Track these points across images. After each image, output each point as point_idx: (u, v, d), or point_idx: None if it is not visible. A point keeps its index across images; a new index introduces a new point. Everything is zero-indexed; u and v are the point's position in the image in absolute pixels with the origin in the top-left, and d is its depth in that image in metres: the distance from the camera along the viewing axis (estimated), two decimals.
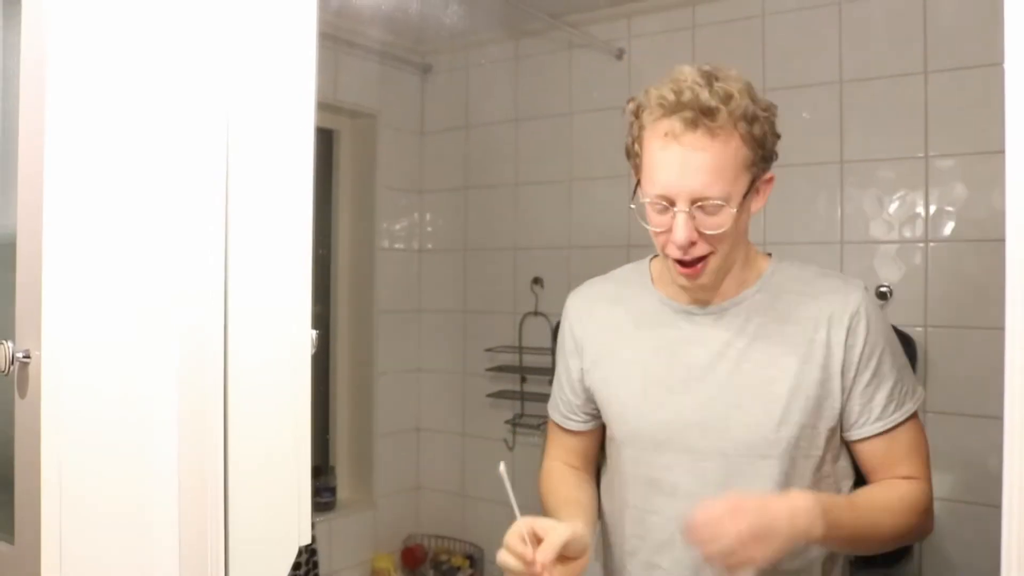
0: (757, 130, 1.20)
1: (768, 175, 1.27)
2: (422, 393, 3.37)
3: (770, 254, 1.39)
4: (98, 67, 0.87)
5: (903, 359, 1.33)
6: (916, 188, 2.31)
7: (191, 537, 0.94)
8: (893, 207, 2.35)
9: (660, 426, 1.33)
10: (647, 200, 1.23)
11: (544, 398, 2.98)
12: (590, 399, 1.46)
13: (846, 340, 1.27)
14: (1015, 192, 0.62)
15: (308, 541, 1.01)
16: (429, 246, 3.36)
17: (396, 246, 3.29)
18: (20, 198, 0.81)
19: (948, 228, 2.28)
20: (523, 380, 3.03)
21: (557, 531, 1.19)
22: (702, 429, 1.30)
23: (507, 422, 3.08)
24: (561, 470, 1.54)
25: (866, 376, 1.28)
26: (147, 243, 0.92)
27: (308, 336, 0.99)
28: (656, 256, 1.47)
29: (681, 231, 1.19)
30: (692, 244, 1.21)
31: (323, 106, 3.09)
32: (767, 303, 1.32)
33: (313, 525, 2.79)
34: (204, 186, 0.95)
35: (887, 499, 1.28)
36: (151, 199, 0.93)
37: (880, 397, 1.28)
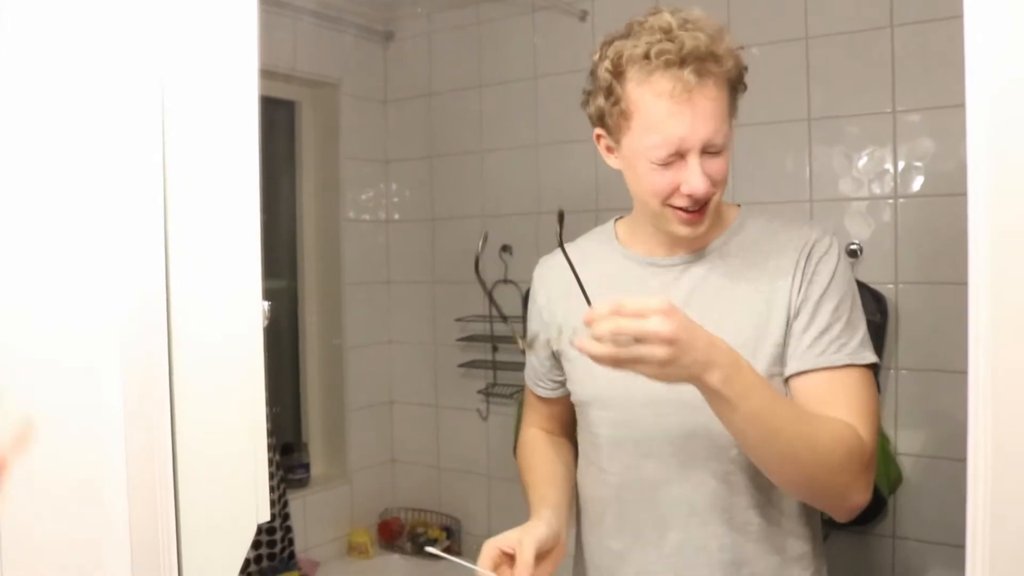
0: (735, 72, 1.22)
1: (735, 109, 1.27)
2: (394, 365, 3.34)
3: (739, 205, 1.38)
4: (19, 28, 0.82)
5: (854, 318, 1.26)
6: (884, 144, 2.29)
7: (140, 514, 0.91)
8: (862, 163, 2.33)
9: (626, 380, 1.27)
10: (648, 157, 1.21)
11: (515, 367, 2.97)
12: (557, 365, 1.45)
13: (793, 274, 1.26)
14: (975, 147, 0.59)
15: (267, 518, 0.98)
16: (396, 216, 3.32)
17: (363, 217, 3.24)
18: None
19: (917, 183, 2.26)
20: (495, 349, 3.00)
21: (525, 545, 1.22)
22: (665, 388, 1.24)
23: (480, 392, 3.06)
24: (537, 439, 1.53)
25: (808, 308, 1.24)
26: (80, 215, 0.88)
27: (259, 307, 0.96)
28: (620, 218, 1.45)
29: (699, 181, 1.19)
30: (707, 191, 1.22)
31: (282, 76, 3.03)
32: (732, 252, 1.31)
33: (287, 502, 2.78)
34: (139, 152, 0.91)
35: (815, 417, 1.19)
36: (85, 162, 0.88)
37: (816, 330, 1.23)
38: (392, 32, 3.24)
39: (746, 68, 1.25)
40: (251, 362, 0.97)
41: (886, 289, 2.28)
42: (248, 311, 0.97)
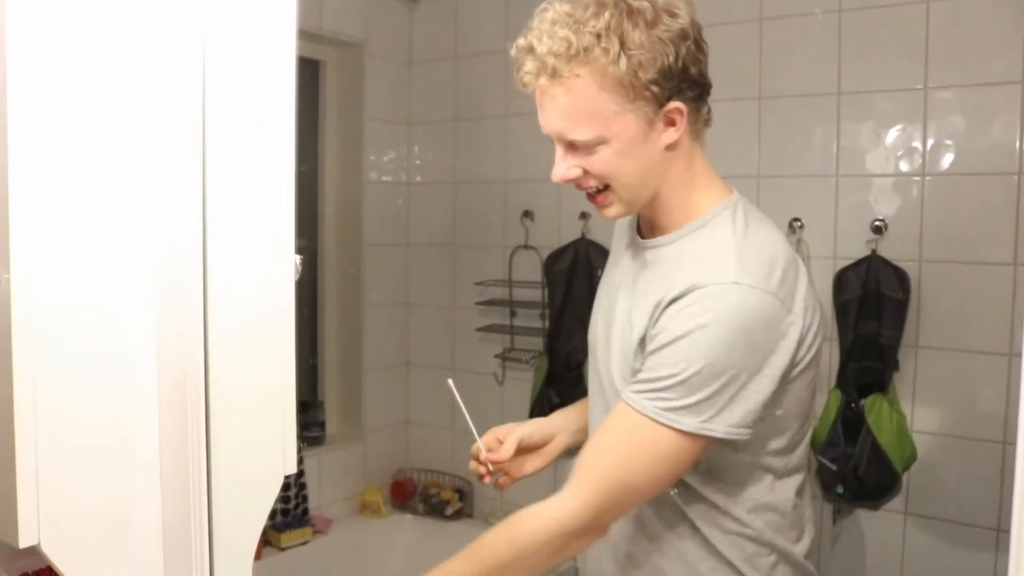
0: (619, 69, 1.13)
1: (671, 106, 1.17)
2: (411, 327, 3.35)
3: (731, 194, 1.30)
4: None
5: (698, 379, 1.14)
6: (914, 120, 2.27)
7: (172, 462, 0.92)
8: (890, 140, 2.31)
9: (591, 347, 1.43)
10: None
11: (533, 332, 2.99)
12: None
13: (658, 316, 1.20)
14: None
15: (294, 470, 1.00)
16: (418, 179, 3.31)
17: (384, 179, 3.24)
18: None
19: (946, 161, 2.24)
20: (513, 314, 3.01)
21: (511, 435, 1.44)
22: (602, 350, 1.36)
23: (496, 356, 3.07)
24: None
25: (654, 343, 1.19)
26: (120, 164, 0.88)
27: (292, 260, 0.96)
28: None
29: (557, 169, 1.24)
30: (578, 179, 1.24)
31: (308, 35, 3.02)
32: (666, 256, 1.28)
33: (301, 460, 2.81)
34: (179, 105, 0.91)
35: (504, 557, 1.22)
36: (124, 119, 0.88)
37: (648, 371, 1.19)
38: None
39: (653, 63, 1.14)
40: (283, 315, 0.98)
41: (909, 266, 2.27)
42: (281, 265, 0.97)
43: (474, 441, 1.48)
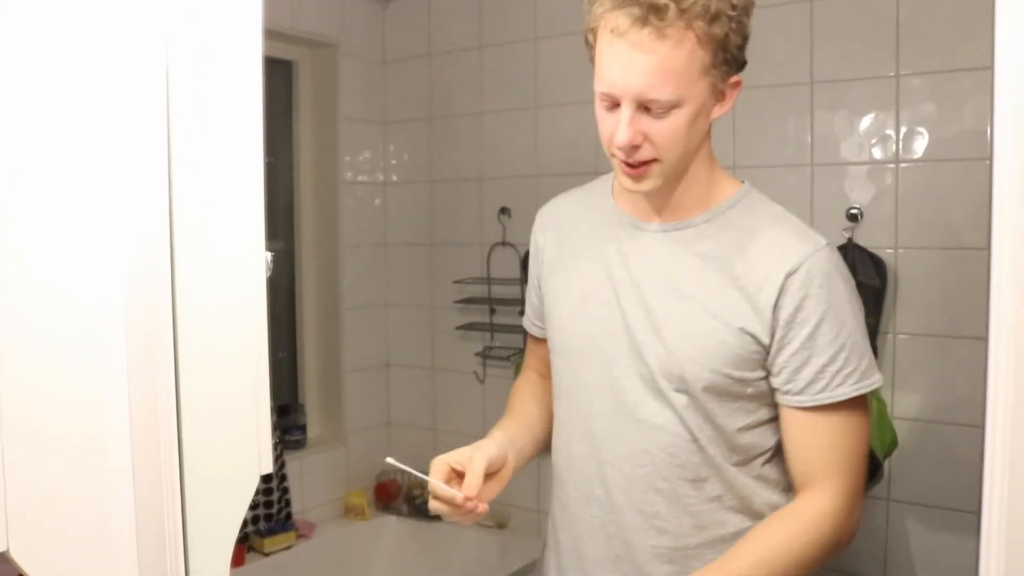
0: (718, 30, 1.11)
1: (734, 79, 1.19)
2: (391, 327, 3.34)
3: (743, 181, 1.32)
4: None
5: (856, 337, 1.21)
6: (887, 108, 2.28)
7: (144, 463, 0.91)
8: (864, 128, 2.32)
9: (587, 337, 1.32)
10: (597, 96, 1.18)
11: (513, 329, 2.98)
12: None
13: (776, 300, 1.19)
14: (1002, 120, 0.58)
15: (270, 469, 0.98)
16: (394, 178, 3.30)
17: (360, 178, 3.22)
18: None
19: (919, 148, 2.25)
20: (492, 312, 3.00)
21: (475, 461, 1.26)
22: (622, 347, 1.28)
23: (477, 354, 3.06)
24: (526, 382, 1.56)
25: (795, 343, 1.19)
26: (85, 161, 0.87)
27: (263, 257, 0.95)
28: None
29: (622, 132, 1.14)
30: (636, 147, 1.16)
31: (281, 36, 3.00)
32: (714, 233, 1.25)
33: (283, 464, 2.79)
34: (144, 99, 0.90)
35: (788, 542, 1.20)
36: (89, 114, 0.87)
37: (808, 371, 1.19)
38: None
39: (742, 37, 1.16)
40: (255, 313, 0.97)
41: (885, 254, 2.28)
42: (251, 261, 0.96)
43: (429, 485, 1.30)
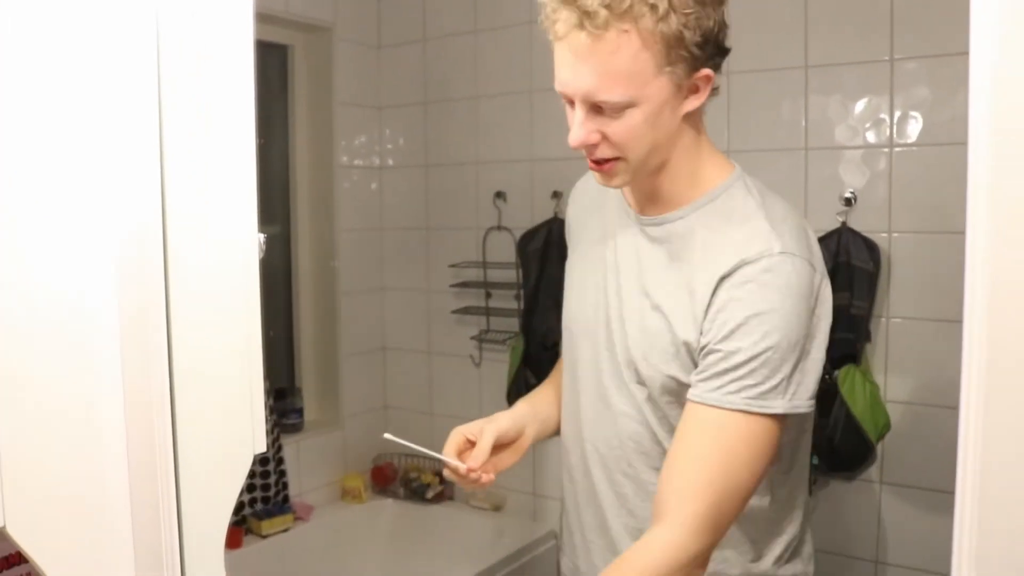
0: (667, 27, 1.06)
1: (702, 72, 1.13)
2: (387, 311, 3.35)
3: (733, 168, 1.28)
4: None
5: (777, 355, 1.12)
6: (881, 92, 2.28)
7: (138, 442, 0.92)
8: (858, 112, 2.32)
9: (582, 319, 1.36)
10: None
11: (509, 313, 2.99)
12: None
13: (708, 303, 1.16)
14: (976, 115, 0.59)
15: (263, 448, 0.99)
16: (390, 162, 3.30)
17: (356, 163, 3.22)
18: None
19: (913, 132, 2.26)
20: (488, 296, 3.01)
21: (486, 433, 1.31)
22: (603, 333, 1.30)
23: (473, 338, 3.07)
24: (558, 367, 1.56)
25: (710, 340, 1.15)
26: (78, 144, 0.87)
27: (256, 239, 0.96)
28: None
29: (574, 133, 1.14)
30: (594, 146, 1.15)
31: (275, 20, 2.99)
32: (682, 232, 1.23)
33: (281, 447, 2.80)
34: (135, 82, 0.90)
35: None
36: (81, 97, 0.88)
37: (711, 368, 1.14)
38: None
39: (701, 32, 1.09)
40: (247, 293, 0.97)
41: (879, 238, 2.28)
42: (244, 242, 0.97)
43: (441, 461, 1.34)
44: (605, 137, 1.14)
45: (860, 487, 2.40)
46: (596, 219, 1.39)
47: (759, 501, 1.25)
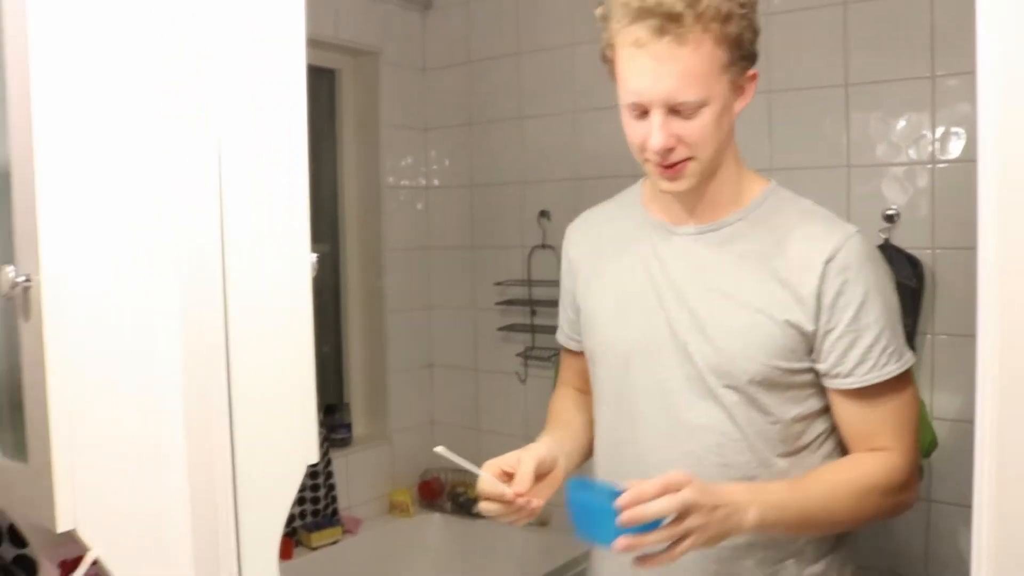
0: (732, 29, 1.16)
1: (751, 72, 1.24)
2: (433, 329, 3.40)
3: (770, 180, 1.35)
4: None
5: (894, 317, 1.26)
6: (922, 109, 2.28)
7: (198, 452, 0.97)
8: (899, 129, 2.32)
9: (629, 343, 1.34)
10: (623, 106, 1.22)
11: (553, 330, 3.00)
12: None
13: (818, 287, 1.22)
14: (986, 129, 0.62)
15: (316, 459, 1.04)
16: (436, 183, 3.36)
17: (402, 183, 3.29)
18: (10, 121, 0.82)
19: (955, 149, 2.25)
20: (533, 313, 3.05)
21: (524, 460, 1.24)
22: (667, 350, 1.30)
23: (518, 355, 3.10)
24: (563, 394, 1.57)
25: (839, 328, 1.23)
26: (140, 167, 0.93)
27: (308, 258, 1.01)
28: (647, 178, 1.47)
29: (657, 137, 1.18)
30: (670, 150, 1.20)
31: (324, 45, 3.07)
32: (748, 231, 1.29)
33: (329, 461, 2.86)
34: (195, 110, 0.96)
35: (847, 481, 1.23)
36: (142, 124, 0.94)
37: (855, 353, 1.23)
38: (431, 0, 3.27)
39: (753, 32, 1.21)
40: (301, 311, 1.03)
41: (923, 254, 2.28)
42: (298, 262, 1.02)
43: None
44: (680, 139, 1.19)
45: None
46: (612, 249, 1.40)
47: None
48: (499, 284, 3.10)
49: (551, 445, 1.34)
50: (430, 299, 3.39)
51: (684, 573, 1.29)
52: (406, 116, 3.27)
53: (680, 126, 1.18)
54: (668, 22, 1.12)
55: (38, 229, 0.82)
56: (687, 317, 1.28)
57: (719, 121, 1.20)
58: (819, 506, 1.20)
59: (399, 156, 3.26)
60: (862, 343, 1.23)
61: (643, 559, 1.06)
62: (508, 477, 1.25)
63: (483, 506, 1.23)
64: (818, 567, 1.32)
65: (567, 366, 1.60)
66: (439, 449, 1.31)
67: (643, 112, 1.19)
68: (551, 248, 2.98)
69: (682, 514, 1.04)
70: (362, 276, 3.28)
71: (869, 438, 1.27)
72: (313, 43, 3.09)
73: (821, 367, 1.26)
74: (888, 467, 1.24)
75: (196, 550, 0.99)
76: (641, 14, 1.14)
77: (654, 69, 1.15)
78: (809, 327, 1.23)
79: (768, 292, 1.24)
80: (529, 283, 3.03)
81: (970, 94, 2.21)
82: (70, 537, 0.90)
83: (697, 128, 1.18)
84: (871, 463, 1.24)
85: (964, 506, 2.29)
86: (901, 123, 2.32)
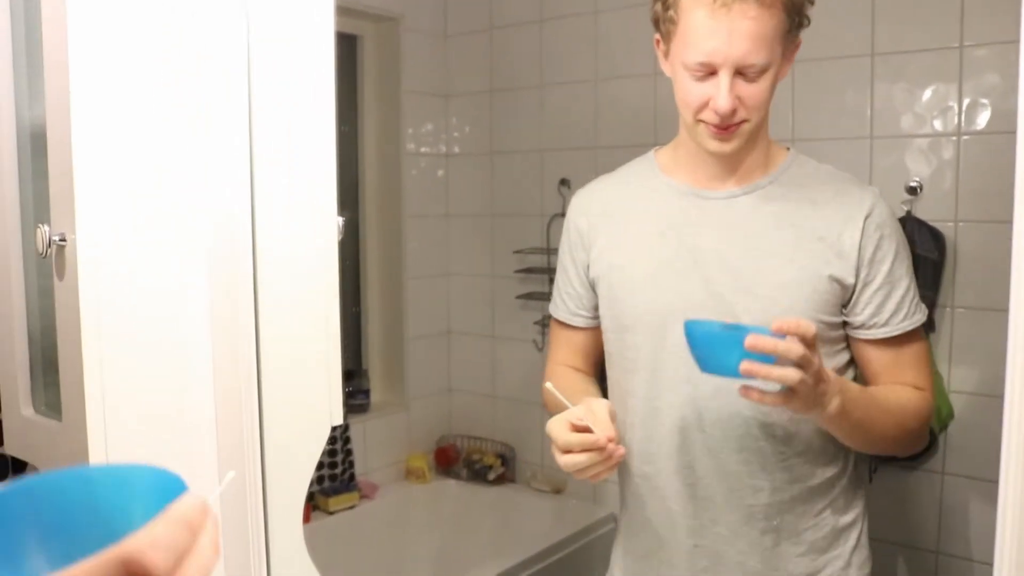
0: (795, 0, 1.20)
1: (797, 39, 1.27)
2: (452, 296, 3.41)
3: (788, 148, 1.39)
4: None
5: (912, 272, 1.34)
6: (949, 80, 2.26)
7: (227, 414, 0.99)
8: (925, 100, 2.30)
9: (667, 308, 1.33)
10: (685, 67, 1.23)
11: None
12: (595, 292, 1.47)
13: (860, 242, 1.28)
14: None
15: (340, 421, 1.05)
16: (456, 150, 3.36)
17: (423, 150, 3.29)
18: (47, 84, 0.83)
19: (982, 120, 2.23)
20: (551, 281, 3.03)
21: (597, 410, 1.20)
22: (707, 313, 1.29)
23: (536, 323, 3.12)
24: (563, 373, 1.54)
25: (877, 280, 1.29)
26: (174, 130, 0.94)
27: (335, 221, 1.02)
28: (659, 148, 1.46)
29: (725, 99, 1.20)
30: (733, 111, 1.22)
31: (346, 11, 3.07)
32: (780, 194, 1.33)
33: (347, 426, 2.88)
34: (227, 73, 0.97)
35: (895, 399, 1.31)
36: (176, 87, 0.94)
37: (891, 304, 1.30)
38: None
39: (811, 1, 1.25)
40: (327, 274, 1.03)
41: (945, 227, 2.27)
42: (324, 225, 1.03)
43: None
44: (742, 101, 1.22)
45: (921, 477, 2.39)
46: (632, 218, 1.40)
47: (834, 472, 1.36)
48: (518, 252, 3.11)
49: (605, 400, 1.31)
50: (449, 266, 3.40)
51: (732, 531, 1.33)
52: (427, 83, 3.26)
53: (743, 88, 1.21)
54: None
55: (74, 189, 0.83)
56: (730, 279, 1.30)
57: (773, 85, 1.24)
58: (879, 411, 1.27)
59: (420, 123, 3.26)
60: (896, 294, 1.30)
61: (747, 389, 1.10)
62: (580, 430, 1.19)
63: (565, 460, 1.17)
64: (848, 516, 1.38)
65: (563, 343, 1.56)
66: (548, 385, 1.27)
67: (708, 73, 1.22)
68: None
69: (799, 364, 1.06)
70: (381, 243, 3.29)
71: (898, 377, 1.34)
72: (335, 8, 3.08)
73: (857, 319, 1.31)
74: (920, 400, 1.32)
75: (224, 508, 1.01)
76: None
77: (730, 30, 1.17)
78: (850, 280, 1.29)
79: (808, 249, 1.29)
80: (548, 251, 3.04)
81: (999, 65, 2.18)
82: None
83: (758, 91, 1.22)
84: (911, 392, 1.33)
85: (977, 479, 2.30)
86: (927, 94, 2.30)
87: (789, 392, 1.08)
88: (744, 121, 1.24)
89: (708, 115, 1.24)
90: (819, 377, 1.10)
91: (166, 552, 0.43)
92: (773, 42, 1.20)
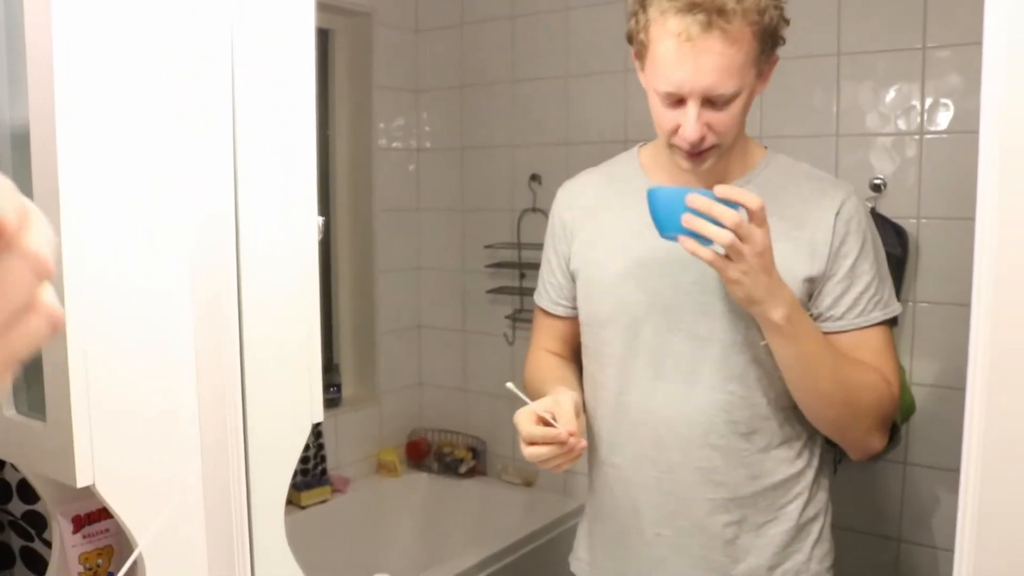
0: (768, 20, 1.18)
1: (775, 56, 1.27)
2: (422, 291, 3.42)
3: (766, 147, 1.41)
4: None
5: (883, 269, 1.35)
6: (912, 80, 2.31)
7: (210, 410, 1.00)
8: (889, 99, 2.35)
9: (643, 306, 1.36)
10: (655, 92, 1.24)
11: None
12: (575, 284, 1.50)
13: (830, 238, 1.29)
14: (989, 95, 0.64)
15: (320, 418, 1.07)
16: (427, 145, 3.37)
17: (394, 145, 3.29)
18: (31, 83, 0.83)
19: (943, 120, 2.29)
20: (522, 276, 3.07)
21: (563, 403, 1.25)
22: (680, 312, 1.33)
23: (507, 317, 3.14)
24: (543, 358, 1.60)
25: (839, 274, 1.30)
26: (158, 131, 0.95)
27: (315, 221, 1.03)
28: (643, 145, 1.49)
29: (692, 129, 1.20)
30: (702, 139, 1.23)
31: (318, 5, 3.05)
32: (762, 193, 1.31)
33: (320, 421, 2.88)
34: (210, 75, 0.97)
35: (854, 364, 1.29)
36: (161, 88, 0.95)
37: (847, 299, 1.31)
38: None
39: (785, 21, 1.24)
40: (307, 272, 1.05)
41: (908, 224, 2.32)
42: (305, 225, 1.04)
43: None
44: (711, 128, 1.22)
45: (884, 467, 2.45)
46: (615, 215, 1.43)
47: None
48: (489, 247, 3.13)
49: (574, 395, 1.35)
50: (420, 261, 3.41)
51: (694, 523, 1.36)
52: (398, 78, 3.26)
53: (711, 116, 1.21)
54: (716, 16, 1.13)
55: (59, 188, 0.84)
56: (704, 279, 1.32)
57: (745, 109, 1.24)
58: (831, 360, 1.26)
59: (391, 118, 3.26)
60: (855, 290, 1.30)
61: (685, 238, 1.13)
62: (543, 423, 1.24)
63: (529, 451, 1.21)
64: (811, 511, 1.39)
65: (545, 330, 1.61)
66: (509, 385, 1.29)
67: (676, 101, 1.22)
68: (541, 212, 3.00)
69: (739, 234, 1.10)
70: (352, 237, 3.29)
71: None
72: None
73: (814, 311, 1.32)
74: (881, 383, 1.30)
75: (208, 504, 1.02)
76: (690, 7, 1.14)
77: (696, 62, 1.16)
78: (818, 275, 1.31)
79: (781, 249, 1.27)
80: (519, 246, 3.06)
81: (960, 66, 2.24)
82: (83, 493, 0.93)
83: (728, 118, 1.22)
84: (875, 373, 1.31)
85: (939, 468, 2.36)
86: (891, 93, 2.34)
87: (725, 259, 1.12)
88: (715, 146, 1.25)
89: (679, 140, 1.24)
90: (763, 263, 1.13)
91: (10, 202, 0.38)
92: (743, 70, 1.19)
